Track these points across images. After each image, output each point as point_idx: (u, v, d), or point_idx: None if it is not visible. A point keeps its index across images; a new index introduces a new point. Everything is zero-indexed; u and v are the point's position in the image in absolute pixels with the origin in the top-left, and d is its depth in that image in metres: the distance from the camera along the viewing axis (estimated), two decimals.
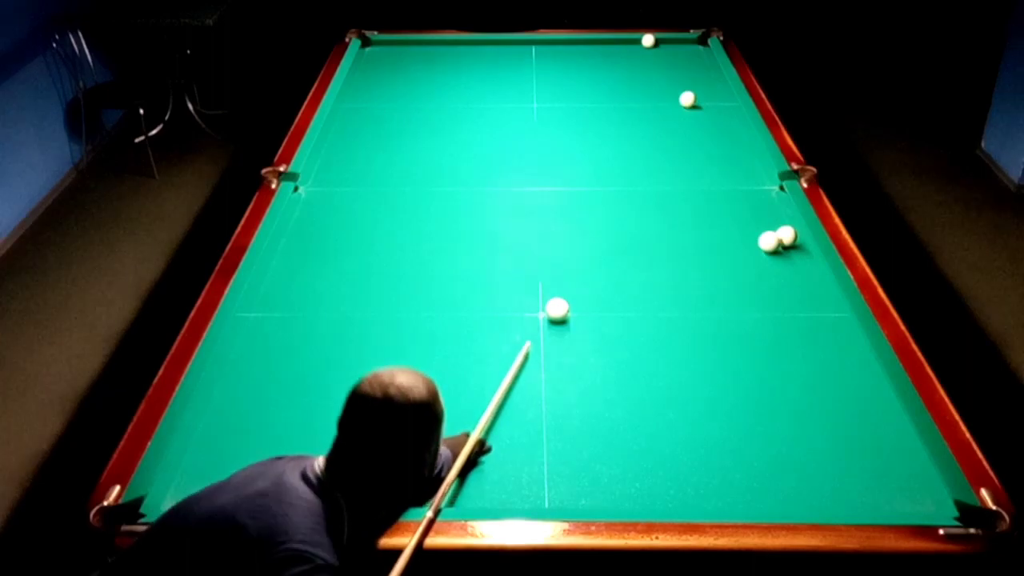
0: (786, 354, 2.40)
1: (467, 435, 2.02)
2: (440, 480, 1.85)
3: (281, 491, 1.54)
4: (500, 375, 2.23)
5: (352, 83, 4.05)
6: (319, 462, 1.62)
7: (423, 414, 1.59)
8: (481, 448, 2.06)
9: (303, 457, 1.65)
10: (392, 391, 1.55)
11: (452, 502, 1.93)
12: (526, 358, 2.35)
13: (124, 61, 5.45)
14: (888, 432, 2.13)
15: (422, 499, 1.76)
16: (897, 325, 2.41)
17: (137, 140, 5.18)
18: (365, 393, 1.57)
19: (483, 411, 2.11)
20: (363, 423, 1.57)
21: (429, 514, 1.77)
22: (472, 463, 2.01)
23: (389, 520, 1.75)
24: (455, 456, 1.92)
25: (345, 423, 1.59)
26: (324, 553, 1.48)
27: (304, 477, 1.58)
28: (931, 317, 3.71)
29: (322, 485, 1.57)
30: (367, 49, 4.44)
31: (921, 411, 2.13)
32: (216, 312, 2.47)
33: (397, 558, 1.64)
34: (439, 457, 1.80)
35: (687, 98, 3.81)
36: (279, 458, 1.67)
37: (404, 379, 1.58)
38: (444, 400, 1.66)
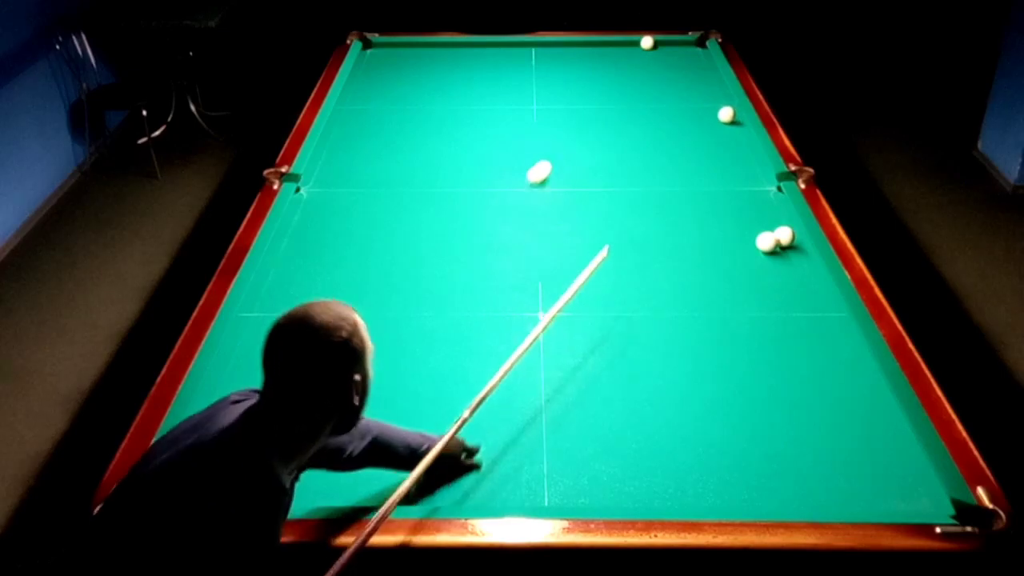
0: (784, 354, 2.41)
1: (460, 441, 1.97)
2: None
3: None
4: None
5: (353, 85, 4.07)
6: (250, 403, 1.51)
7: (341, 345, 1.45)
8: (469, 453, 2.02)
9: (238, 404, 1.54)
10: (309, 322, 1.44)
11: (410, 500, 1.85)
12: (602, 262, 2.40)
13: (127, 63, 5.47)
14: (885, 431, 2.14)
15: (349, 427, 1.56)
16: (894, 325, 2.43)
17: (140, 141, 5.21)
18: (282, 325, 1.46)
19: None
20: (281, 355, 1.45)
21: (381, 511, 1.65)
22: (457, 468, 1.99)
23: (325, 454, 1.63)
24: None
25: (266, 359, 1.47)
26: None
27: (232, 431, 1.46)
28: (928, 317, 3.73)
29: (248, 438, 1.45)
30: (368, 51, 4.45)
31: (918, 410, 2.15)
32: (218, 312, 2.48)
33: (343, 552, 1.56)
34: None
35: (726, 113, 3.68)
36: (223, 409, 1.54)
37: (320, 310, 1.46)
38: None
